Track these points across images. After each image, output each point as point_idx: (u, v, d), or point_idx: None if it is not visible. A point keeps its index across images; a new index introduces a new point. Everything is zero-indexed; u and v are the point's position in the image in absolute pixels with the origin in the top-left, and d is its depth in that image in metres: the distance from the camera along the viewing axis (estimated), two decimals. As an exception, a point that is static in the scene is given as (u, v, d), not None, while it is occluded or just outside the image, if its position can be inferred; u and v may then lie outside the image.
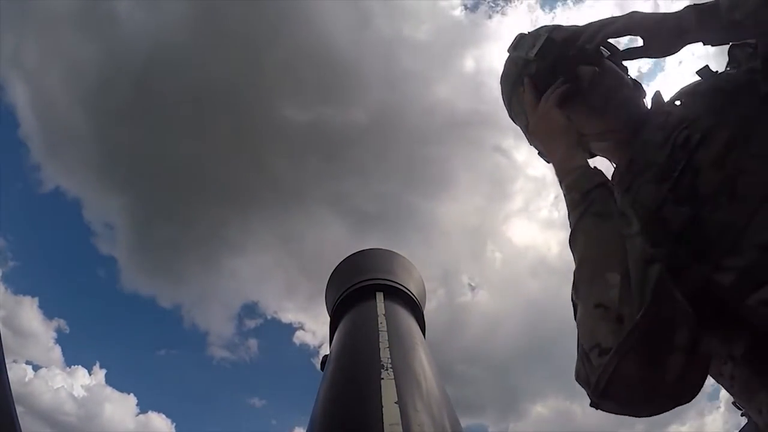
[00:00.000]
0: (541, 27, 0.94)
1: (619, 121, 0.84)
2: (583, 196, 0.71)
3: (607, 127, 0.86)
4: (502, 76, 0.99)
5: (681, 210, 0.65)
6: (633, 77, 0.89)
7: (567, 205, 0.74)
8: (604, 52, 0.87)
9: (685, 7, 0.79)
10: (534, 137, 0.90)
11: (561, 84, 0.86)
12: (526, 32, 0.94)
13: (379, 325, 1.00)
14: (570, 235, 0.70)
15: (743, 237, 0.59)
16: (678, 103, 0.80)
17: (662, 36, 0.80)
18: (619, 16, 0.84)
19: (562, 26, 0.91)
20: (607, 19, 0.85)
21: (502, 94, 1.00)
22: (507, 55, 0.97)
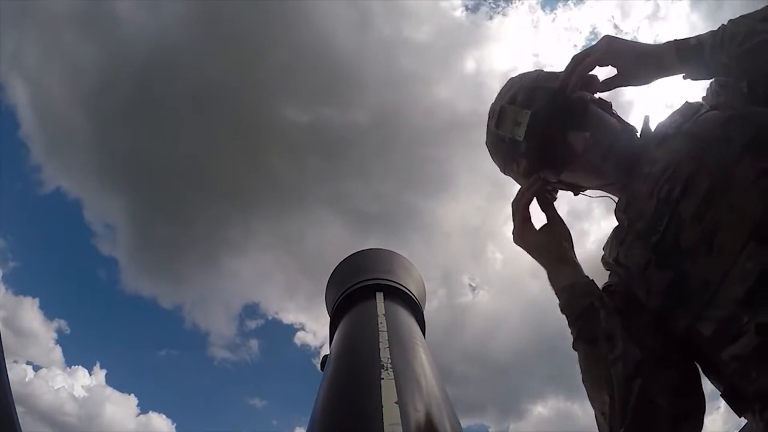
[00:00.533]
0: (520, 87, 0.90)
1: (616, 173, 0.84)
2: (574, 322, 0.79)
3: (605, 181, 0.86)
4: (491, 146, 0.97)
5: (662, 274, 0.71)
6: (617, 115, 0.88)
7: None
8: (585, 96, 0.85)
9: (666, 43, 0.78)
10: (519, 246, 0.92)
11: (532, 184, 0.87)
12: (506, 105, 0.89)
13: (379, 325, 1.00)
14: (572, 345, 0.80)
15: (720, 291, 0.63)
16: (664, 141, 0.79)
17: (642, 69, 0.79)
18: (596, 45, 0.82)
19: (541, 86, 0.87)
20: (581, 53, 0.83)
21: (494, 159, 0.99)
22: (488, 126, 0.94)
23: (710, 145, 0.70)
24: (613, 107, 0.90)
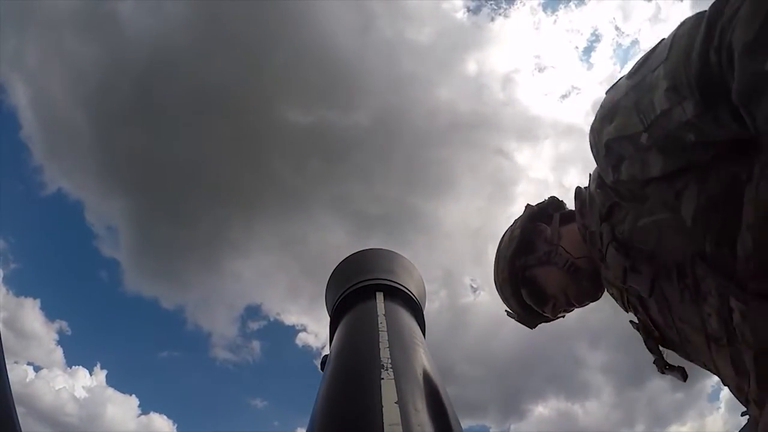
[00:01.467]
0: (501, 295, 1.17)
1: (595, 296, 1.04)
2: None
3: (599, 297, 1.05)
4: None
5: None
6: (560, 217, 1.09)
7: None
8: (530, 265, 1.07)
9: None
10: None
11: None
12: (507, 311, 1.19)
13: (379, 325, 1.00)
14: None
15: None
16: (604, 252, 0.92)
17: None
18: None
19: (508, 295, 1.13)
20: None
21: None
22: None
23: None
24: (556, 224, 1.09)
